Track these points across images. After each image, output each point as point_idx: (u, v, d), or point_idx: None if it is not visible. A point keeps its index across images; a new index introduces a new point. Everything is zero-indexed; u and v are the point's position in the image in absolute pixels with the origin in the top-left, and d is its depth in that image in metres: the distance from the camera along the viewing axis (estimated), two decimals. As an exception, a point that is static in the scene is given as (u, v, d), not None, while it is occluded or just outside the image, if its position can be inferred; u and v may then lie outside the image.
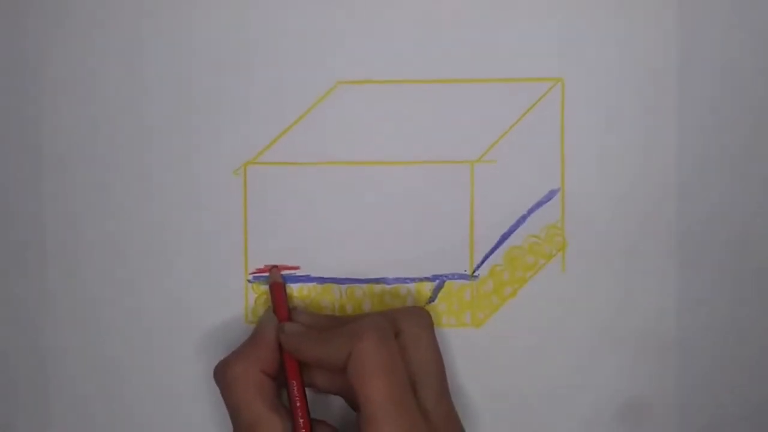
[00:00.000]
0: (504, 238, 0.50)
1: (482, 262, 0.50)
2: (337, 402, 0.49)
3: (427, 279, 0.50)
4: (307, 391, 0.46)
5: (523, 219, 0.50)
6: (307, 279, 0.50)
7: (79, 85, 0.49)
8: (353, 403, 0.46)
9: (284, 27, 0.50)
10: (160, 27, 0.49)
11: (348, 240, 0.50)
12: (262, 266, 0.50)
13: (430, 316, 0.46)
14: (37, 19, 0.49)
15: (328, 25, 0.49)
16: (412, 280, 0.50)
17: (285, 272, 0.50)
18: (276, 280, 0.49)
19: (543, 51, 0.50)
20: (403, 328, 0.45)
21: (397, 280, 0.50)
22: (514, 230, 0.50)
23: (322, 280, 0.50)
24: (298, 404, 0.44)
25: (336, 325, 0.45)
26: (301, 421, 0.44)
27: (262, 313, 0.49)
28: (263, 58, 0.50)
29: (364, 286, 0.50)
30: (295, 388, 0.45)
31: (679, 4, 0.49)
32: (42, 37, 0.49)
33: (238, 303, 0.50)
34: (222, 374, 0.45)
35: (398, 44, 0.50)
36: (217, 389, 0.46)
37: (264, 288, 0.50)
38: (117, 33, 0.49)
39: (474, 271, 0.50)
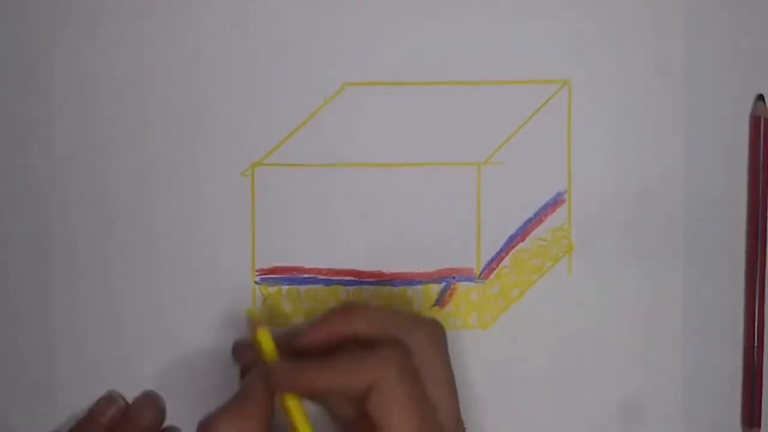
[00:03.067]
0: (511, 240, 0.50)
1: (489, 264, 0.50)
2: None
3: (433, 281, 0.50)
4: None
5: (529, 221, 0.50)
6: (314, 281, 0.50)
7: (85, 85, 0.50)
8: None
9: (291, 28, 0.50)
10: (168, 28, 0.50)
11: (355, 242, 0.50)
12: (269, 267, 0.50)
13: (443, 332, 0.43)
14: (44, 19, 0.50)
15: (335, 27, 0.50)
16: (419, 281, 0.50)
17: (288, 273, 0.50)
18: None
19: (550, 53, 0.50)
20: (415, 348, 0.40)
21: (404, 282, 0.50)
22: (521, 232, 0.50)
23: (328, 281, 0.50)
24: None
25: (344, 352, 0.41)
26: None
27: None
28: (271, 59, 0.50)
29: (371, 287, 0.50)
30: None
31: (685, 5, 0.49)
32: (49, 39, 0.50)
33: (245, 305, 0.50)
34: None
35: (405, 46, 0.50)
36: (223, 387, 0.46)
37: (271, 290, 0.50)
38: (124, 33, 0.50)
39: (480, 274, 0.50)
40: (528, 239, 0.50)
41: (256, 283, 0.50)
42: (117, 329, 0.50)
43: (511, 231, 0.50)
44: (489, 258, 0.50)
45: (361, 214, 0.50)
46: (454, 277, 0.50)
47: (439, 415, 0.40)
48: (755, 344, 0.50)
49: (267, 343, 0.42)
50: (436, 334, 0.42)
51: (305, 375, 0.39)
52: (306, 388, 0.40)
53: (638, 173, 0.50)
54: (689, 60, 0.49)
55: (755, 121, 0.49)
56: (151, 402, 0.49)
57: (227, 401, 0.40)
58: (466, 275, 0.50)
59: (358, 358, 0.39)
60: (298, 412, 0.40)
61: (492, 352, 0.50)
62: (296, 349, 0.42)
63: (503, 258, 0.50)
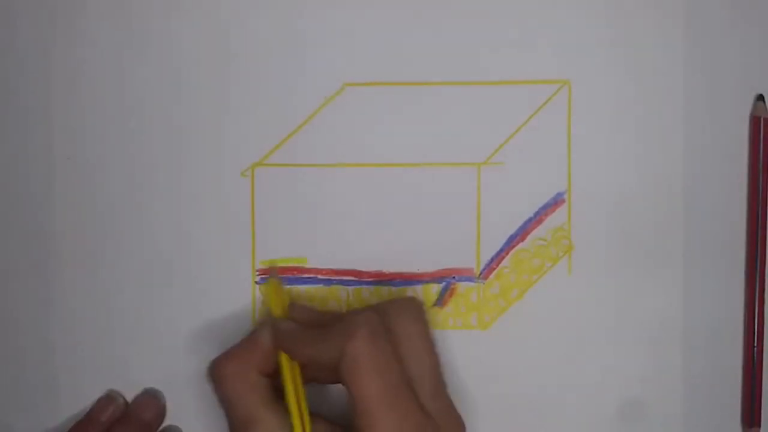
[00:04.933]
0: (511, 240, 0.50)
1: (489, 264, 0.50)
2: (335, 393, 0.49)
3: (433, 281, 0.50)
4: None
5: (529, 221, 0.50)
6: (314, 281, 0.50)
7: (84, 85, 0.50)
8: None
9: (292, 29, 0.50)
10: (167, 29, 0.50)
11: (355, 242, 0.50)
12: (269, 267, 0.50)
13: (420, 307, 0.45)
14: (43, 19, 0.50)
15: (335, 28, 0.50)
16: (419, 281, 0.50)
17: (288, 273, 0.50)
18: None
19: (550, 53, 0.50)
20: (392, 322, 0.44)
21: (404, 282, 0.50)
22: (521, 232, 0.50)
23: (328, 281, 0.50)
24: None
25: (332, 321, 0.44)
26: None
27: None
28: (271, 60, 0.50)
29: (371, 287, 0.50)
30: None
31: (685, 6, 0.49)
32: (47, 39, 0.50)
33: (245, 304, 0.50)
34: (214, 371, 0.44)
35: (405, 46, 0.50)
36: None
37: (271, 289, 0.50)
38: (126, 35, 0.50)
39: (480, 274, 0.50)
40: (528, 239, 0.50)
41: (256, 283, 0.50)
42: (117, 329, 0.50)
43: (511, 231, 0.50)
44: (489, 258, 0.50)
45: (362, 214, 0.50)
46: (454, 277, 0.50)
47: (417, 386, 0.43)
48: (755, 344, 0.50)
49: (274, 295, 0.47)
50: (412, 308, 0.45)
51: (294, 343, 0.44)
52: (294, 357, 0.44)
53: (638, 173, 0.50)
54: (689, 60, 0.49)
55: (755, 121, 0.49)
56: (152, 400, 0.49)
57: (234, 345, 0.45)
58: (466, 275, 0.50)
59: (330, 330, 0.43)
60: (288, 371, 0.44)
61: (492, 352, 0.50)
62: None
63: (503, 258, 0.50)
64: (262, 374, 0.44)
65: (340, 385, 0.44)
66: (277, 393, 0.45)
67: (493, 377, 0.50)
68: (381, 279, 0.50)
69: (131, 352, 0.50)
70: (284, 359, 0.44)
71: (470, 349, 0.50)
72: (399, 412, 0.41)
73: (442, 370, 0.45)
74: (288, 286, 0.50)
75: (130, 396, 0.50)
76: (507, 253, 0.50)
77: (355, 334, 0.42)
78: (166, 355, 0.50)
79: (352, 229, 0.50)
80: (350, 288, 0.50)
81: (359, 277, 0.50)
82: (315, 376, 0.45)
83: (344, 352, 0.42)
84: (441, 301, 0.50)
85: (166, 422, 0.50)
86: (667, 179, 0.50)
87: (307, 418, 0.43)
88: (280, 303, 0.47)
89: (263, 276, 0.50)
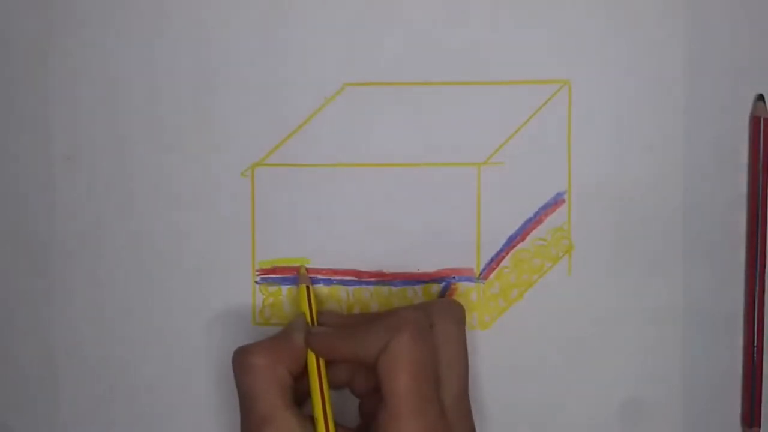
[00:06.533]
0: (511, 240, 0.50)
1: (489, 264, 0.50)
2: (352, 401, 0.49)
3: (433, 281, 0.50)
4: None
5: (529, 221, 0.50)
6: (314, 281, 0.50)
7: (89, 85, 0.50)
8: (369, 398, 0.46)
9: (292, 29, 0.50)
10: (168, 29, 0.50)
11: (355, 242, 0.50)
12: (269, 267, 0.50)
13: (462, 311, 0.46)
14: (43, 19, 0.50)
15: (335, 28, 0.50)
16: (419, 281, 0.50)
17: (288, 273, 0.50)
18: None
19: (550, 53, 0.50)
20: (436, 322, 0.44)
21: (404, 282, 0.50)
22: (521, 232, 0.50)
23: (329, 281, 0.50)
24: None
25: (367, 320, 0.44)
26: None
27: (280, 315, 0.50)
28: (271, 60, 0.50)
29: (371, 287, 0.50)
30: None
31: (686, 6, 0.49)
32: (47, 38, 0.50)
33: (245, 304, 0.50)
34: (242, 360, 0.44)
35: (405, 46, 0.50)
36: (224, 386, 0.46)
37: (271, 290, 0.50)
38: (129, 33, 0.50)
39: (480, 274, 0.50)
40: (528, 239, 0.50)
41: (256, 283, 0.50)
42: (117, 329, 0.50)
43: (511, 231, 0.50)
44: (489, 258, 0.50)
45: (361, 214, 0.50)
46: (454, 277, 0.50)
47: (444, 388, 0.43)
48: (755, 344, 0.50)
49: (306, 300, 0.47)
50: (456, 312, 0.45)
51: (332, 343, 0.44)
52: (330, 356, 0.44)
53: (638, 173, 0.50)
54: (689, 60, 0.49)
55: (755, 121, 0.49)
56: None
57: (268, 338, 0.45)
58: (466, 275, 0.50)
59: (375, 326, 0.43)
60: (315, 373, 0.44)
61: (492, 353, 0.50)
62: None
63: (503, 258, 0.50)
64: (289, 372, 0.44)
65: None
66: (298, 398, 0.45)
67: (493, 377, 0.50)
68: (381, 279, 0.50)
69: (131, 352, 0.50)
70: (312, 360, 0.45)
71: (470, 349, 0.50)
72: (426, 420, 0.41)
73: (467, 375, 0.45)
74: (288, 286, 0.50)
75: (130, 397, 0.50)
76: (507, 253, 0.50)
77: (403, 329, 0.42)
78: (166, 355, 0.50)
79: (352, 229, 0.50)
80: (350, 288, 0.50)
81: (359, 277, 0.50)
82: (339, 378, 0.45)
83: (388, 345, 0.42)
84: (441, 301, 0.50)
85: (168, 419, 0.50)
86: (667, 179, 0.50)
87: (332, 422, 0.44)
88: (311, 308, 0.47)
89: (263, 276, 0.50)
